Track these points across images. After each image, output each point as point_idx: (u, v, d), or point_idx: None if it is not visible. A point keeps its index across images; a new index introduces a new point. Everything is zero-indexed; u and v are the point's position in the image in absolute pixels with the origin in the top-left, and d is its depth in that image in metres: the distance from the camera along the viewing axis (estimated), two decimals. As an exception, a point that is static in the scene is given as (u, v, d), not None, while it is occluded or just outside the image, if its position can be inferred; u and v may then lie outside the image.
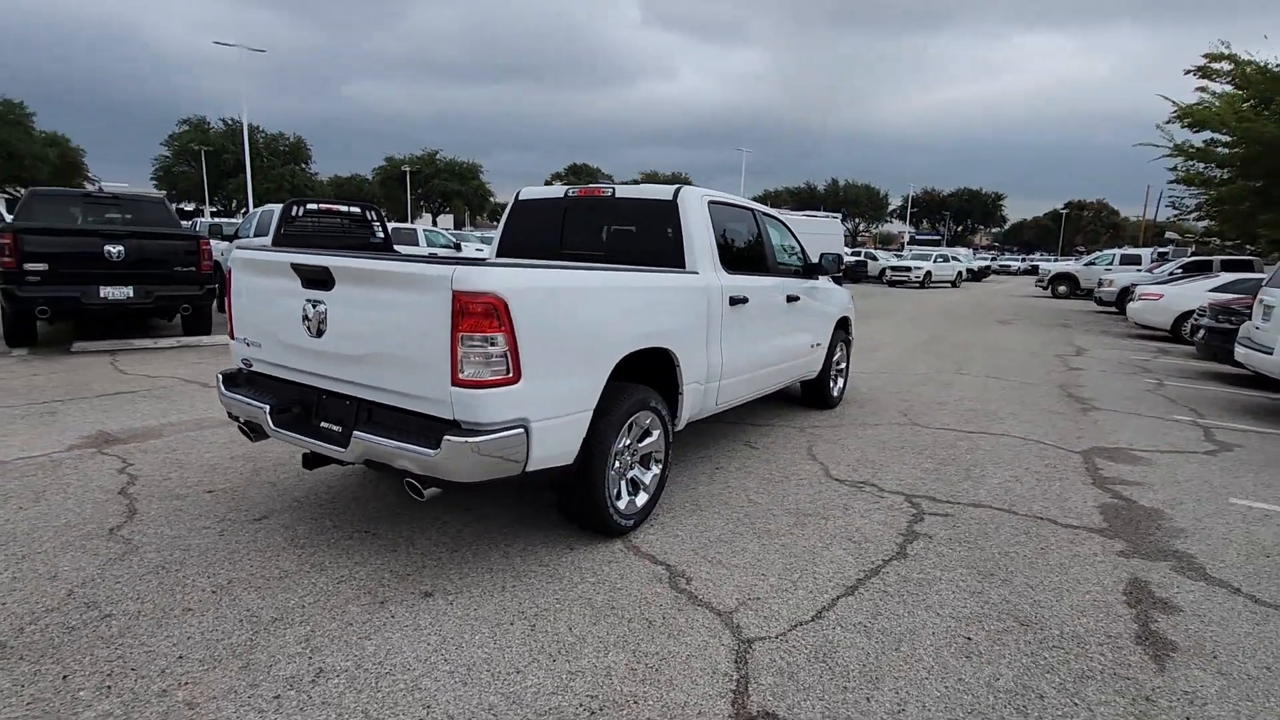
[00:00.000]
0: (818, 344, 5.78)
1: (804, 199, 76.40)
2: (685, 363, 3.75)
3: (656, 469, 3.65)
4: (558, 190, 4.65)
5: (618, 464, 3.40)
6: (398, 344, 2.70)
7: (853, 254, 36.20)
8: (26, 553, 3.01)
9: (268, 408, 3.08)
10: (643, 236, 4.18)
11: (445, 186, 51.26)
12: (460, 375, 2.54)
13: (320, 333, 2.93)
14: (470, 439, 2.55)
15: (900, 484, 4.39)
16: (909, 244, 66.08)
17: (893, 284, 31.71)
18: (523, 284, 2.66)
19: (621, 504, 3.39)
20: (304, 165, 47.60)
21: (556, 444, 2.91)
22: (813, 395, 6.29)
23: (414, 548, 3.22)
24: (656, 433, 3.60)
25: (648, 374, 3.73)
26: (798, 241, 5.64)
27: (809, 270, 5.59)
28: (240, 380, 3.46)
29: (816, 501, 4.03)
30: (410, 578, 2.94)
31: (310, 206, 11.51)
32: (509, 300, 2.59)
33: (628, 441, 3.44)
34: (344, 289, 2.84)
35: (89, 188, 44.48)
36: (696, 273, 3.97)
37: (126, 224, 8.21)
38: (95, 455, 4.30)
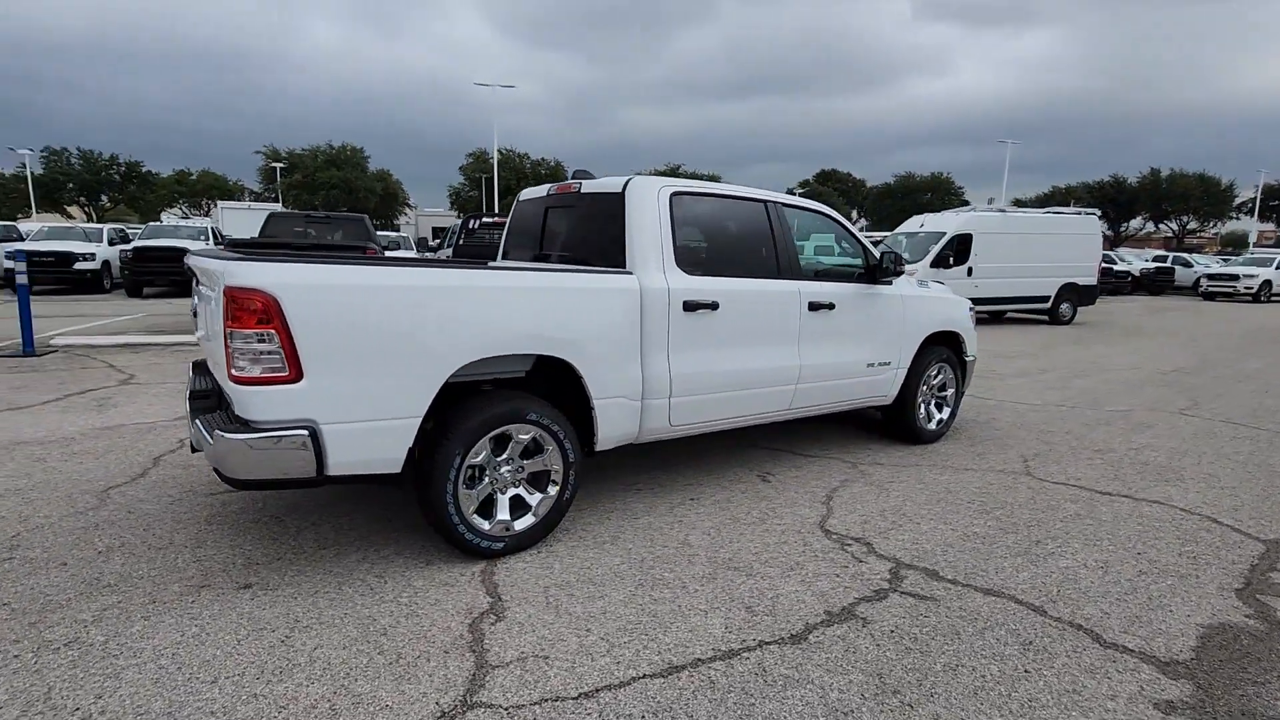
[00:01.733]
0: (883, 363, 4.72)
1: (1107, 195, 64.11)
2: (596, 375, 3.31)
3: (553, 491, 3.28)
4: (544, 189, 4.45)
5: (487, 479, 3.12)
6: (212, 338, 2.78)
7: (1154, 260, 29.39)
8: (36, 498, 3.72)
9: (189, 392, 3.40)
10: (596, 233, 3.80)
11: (684, 199, 52.76)
12: (233, 370, 2.53)
13: (198, 326, 3.16)
14: (240, 435, 2.52)
15: (907, 549, 3.37)
16: (1256, 245, 51.69)
17: (1209, 296, 25.12)
18: (301, 280, 2.56)
19: (486, 525, 3.10)
20: None
21: (367, 450, 2.75)
22: (894, 425, 5.18)
23: (295, 539, 3.31)
24: (550, 449, 3.23)
25: (556, 383, 3.39)
26: (857, 241, 4.68)
27: (870, 274, 4.61)
28: (203, 368, 3.87)
29: (765, 555, 3.28)
30: (256, 566, 3.02)
31: (485, 220, 12.69)
32: (280, 297, 2.51)
33: (503, 456, 3.14)
34: (202, 286, 3.03)
35: (407, 212, 54.74)
36: (630, 273, 3.49)
37: (332, 238, 9.93)
38: (182, 425, 5.19)
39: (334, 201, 41.89)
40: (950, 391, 5.35)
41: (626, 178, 3.71)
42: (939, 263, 13.65)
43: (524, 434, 3.15)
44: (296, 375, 2.57)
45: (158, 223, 18.72)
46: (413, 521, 3.54)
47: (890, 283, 4.78)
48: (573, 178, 4.18)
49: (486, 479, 3.12)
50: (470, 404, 3.03)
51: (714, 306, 3.72)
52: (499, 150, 50.13)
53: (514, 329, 3.03)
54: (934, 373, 5.18)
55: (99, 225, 18.90)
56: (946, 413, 5.36)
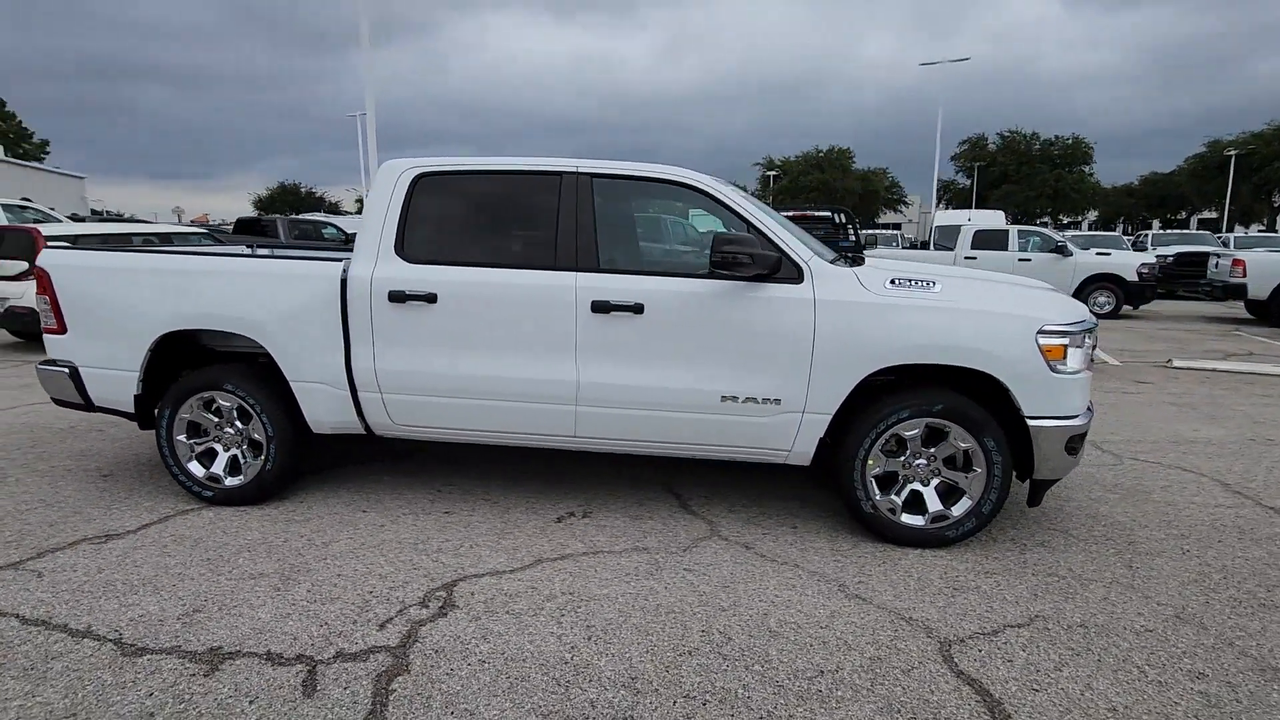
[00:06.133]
0: (762, 398, 3.14)
1: None
2: (290, 358, 3.42)
3: (257, 460, 3.55)
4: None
5: (216, 436, 3.61)
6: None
7: None
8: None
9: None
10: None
11: (1290, 169, 35.41)
12: (41, 324, 3.70)
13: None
14: (40, 367, 3.70)
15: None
16: None
17: None
18: (62, 261, 3.54)
19: (200, 473, 3.60)
20: (1082, 168, 42.92)
21: (107, 390, 3.60)
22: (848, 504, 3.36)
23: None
24: (253, 420, 3.52)
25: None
26: (740, 220, 3.20)
27: (768, 264, 3.06)
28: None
29: (347, 587, 2.86)
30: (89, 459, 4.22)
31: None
32: (50, 271, 3.55)
33: (221, 418, 3.58)
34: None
35: (902, 210, 53.03)
36: (337, 260, 3.39)
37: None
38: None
39: (810, 202, 43.99)
40: (977, 473, 3.12)
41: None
42: None
43: (226, 401, 3.53)
44: (63, 329, 3.60)
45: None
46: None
47: (799, 280, 3.13)
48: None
49: (212, 435, 3.63)
50: (175, 368, 3.60)
51: (430, 299, 3.28)
52: (999, 134, 44.22)
53: (202, 308, 3.43)
54: (917, 434, 3.12)
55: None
56: (964, 506, 3.15)
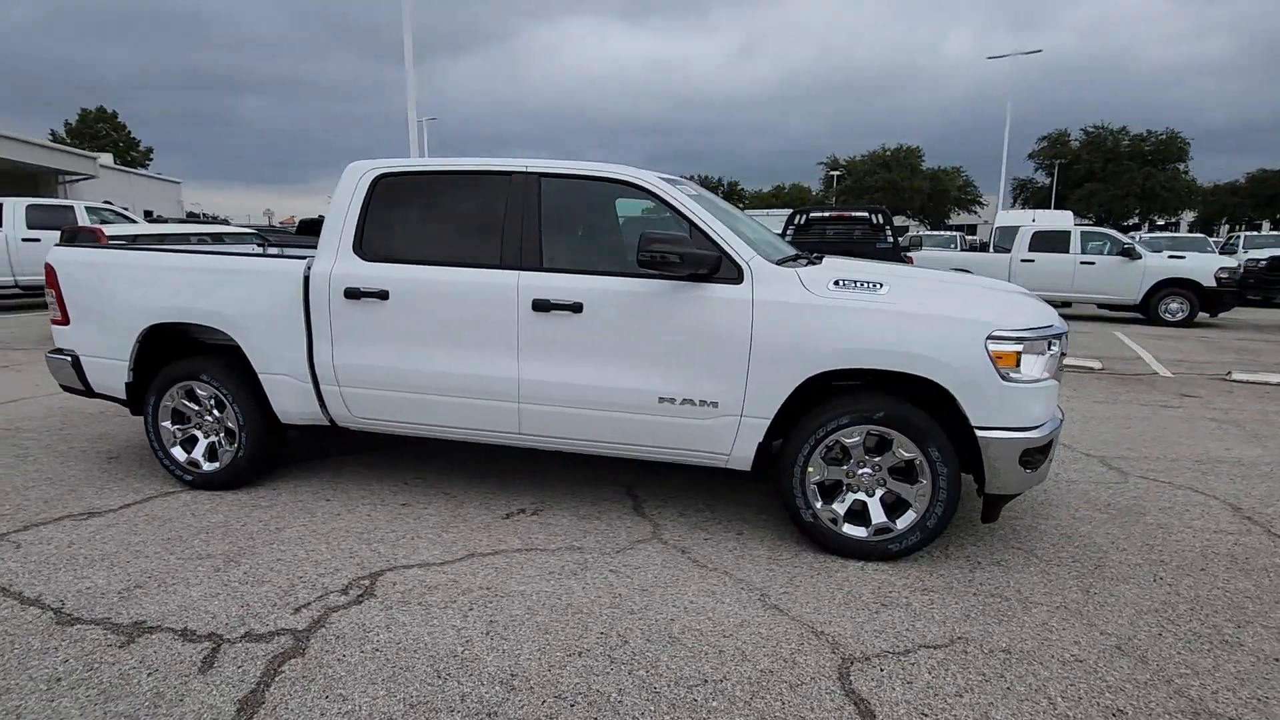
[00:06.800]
0: (699, 400, 3.08)
1: None
2: (257, 350, 3.59)
3: (232, 446, 3.74)
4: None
5: (197, 423, 3.83)
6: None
7: None
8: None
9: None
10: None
11: None
12: (50, 316, 4.01)
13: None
14: (49, 355, 4.01)
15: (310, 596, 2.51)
16: None
17: None
18: (66, 257, 3.83)
19: (182, 458, 3.82)
20: (1176, 165, 39.70)
21: (106, 378, 3.87)
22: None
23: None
24: (227, 409, 3.71)
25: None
26: (684, 220, 3.15)
27: (691, 265, 3.04)
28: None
29: (274, 566, 2.99)
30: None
31: (814, 215, 12.03)
32: (55, 267, 3.85)
33: (200, 407, 3.79)
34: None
35: (979, 211, 50.54)
36: (300, 258, 3.54)
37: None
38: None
39: (875, 202, 42.70)
40: (923, 484, 2.97)
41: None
42: None
43: (204, 390, 3.74)
44: (67, 320, 3.89)
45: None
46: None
47: (738, 280, 3.06)
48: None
49: (193, 422, 3.85)
50: (160, 358, 3.82)
51: (382, 296, 3.37)
52: (1084, 129, 41.65)
53: (179, 303, 3.64)
54: (859, 442, 2.99)
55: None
56: (909, 519, 3.00)
